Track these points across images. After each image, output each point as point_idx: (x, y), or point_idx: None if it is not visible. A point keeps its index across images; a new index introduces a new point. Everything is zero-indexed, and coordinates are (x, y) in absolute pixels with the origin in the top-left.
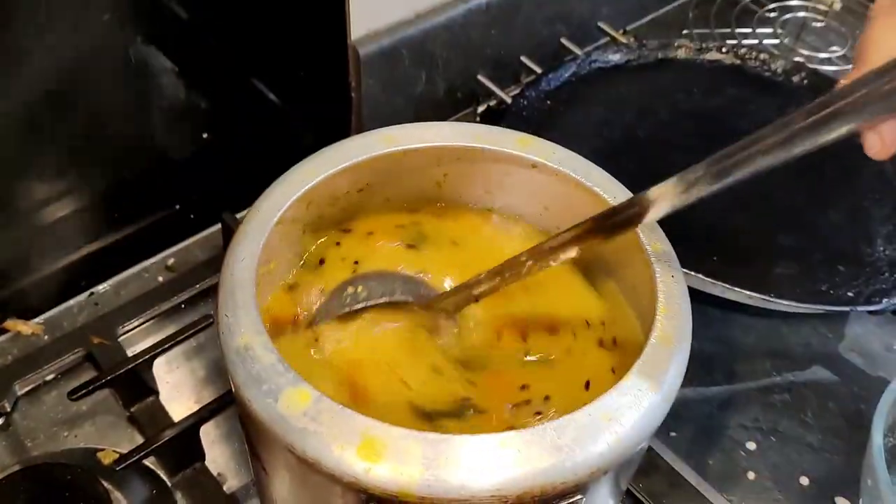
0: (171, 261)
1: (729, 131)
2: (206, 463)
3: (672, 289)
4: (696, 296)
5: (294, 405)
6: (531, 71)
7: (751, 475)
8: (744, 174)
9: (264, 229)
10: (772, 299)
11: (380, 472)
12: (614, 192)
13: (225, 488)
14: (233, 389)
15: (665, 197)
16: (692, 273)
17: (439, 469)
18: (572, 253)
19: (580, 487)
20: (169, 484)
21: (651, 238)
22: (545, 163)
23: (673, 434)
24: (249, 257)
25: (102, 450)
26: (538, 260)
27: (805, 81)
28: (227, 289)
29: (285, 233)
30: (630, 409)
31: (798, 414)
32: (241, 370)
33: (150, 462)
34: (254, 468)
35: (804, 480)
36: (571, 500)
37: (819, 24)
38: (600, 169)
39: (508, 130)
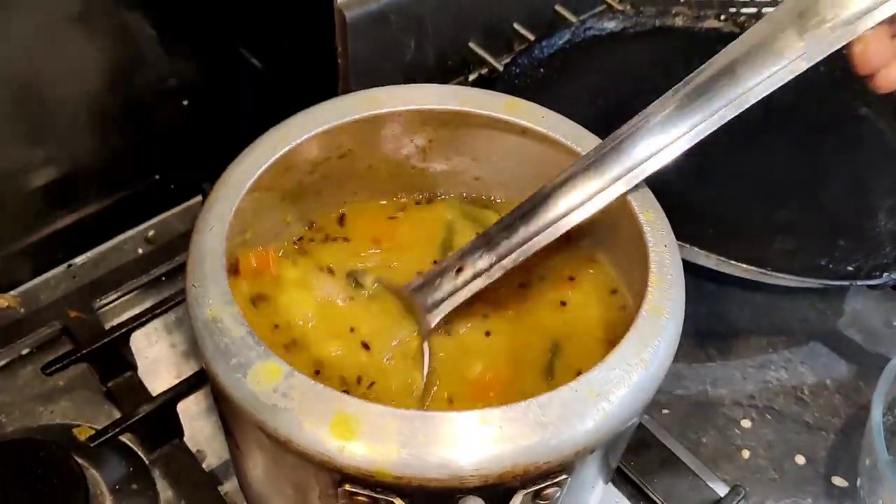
0: (150, 233)
1: None
2: (185, 440)
3: (665, 259)
4: (690, 269)
5: (264, 380)
6: (524, 39)
7: (745, 454)
8: None
9: (235, 196)
10: (769, 273)
11: (354, 451)
12: None
13: (204, 465)
14: (202, 364)
15: None
16: (686, 245)
17: (417, 447)
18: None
19: (565, 467)
20: (146, 461)
21: (643, 206)
22: (534, 128)
23: (665, 411)
24: (219, 225)
25: (78, 426)
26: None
27: None
28: (196, 258)
29: (262, 201)
30: (619, 385)
31: (795, 391)
32: (209, 343)
33: (127, 439)
34: (228, 445)
35: (800, 459)
36: (556, 481)
37: None
38: (592, 135)
39: (496, 94)
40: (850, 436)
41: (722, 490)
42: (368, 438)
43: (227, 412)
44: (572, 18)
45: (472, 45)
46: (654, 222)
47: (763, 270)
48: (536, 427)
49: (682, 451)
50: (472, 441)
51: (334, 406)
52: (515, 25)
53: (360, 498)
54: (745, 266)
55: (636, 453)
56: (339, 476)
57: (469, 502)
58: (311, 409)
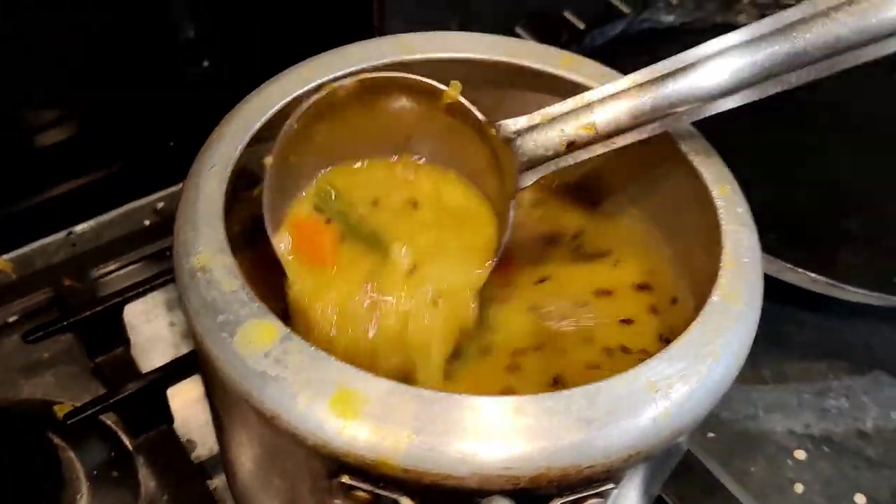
0: (160, 204)
1: (795, 109)
2: (175, 427)
3: (741, 239)
4: None
5: (254, 343)
6: (574, 28)
7: (798, 488)
8: None
9: (244, 134)
10: (838, 285)
11: (356, 433)
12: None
13: (193, 457)
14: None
15: None
16: None
17: (433, 435)
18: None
19: (612, 475)
20: (130, 446)
21: (717, 179)
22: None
23: (711, 435)
24: (221, 165)
25: (60, 403)
26: None
27: None
28: (189, 199)
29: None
30: (683, 379)
31: (856, 423)
32: (194, 296)
33: (111, 421)
34: (214, 425)
35: (860, 499)
36: (600, 490)
37: None
38: None
39: (550, 47)
40: None
41: None
42: (375, 420)
43: (210, 380)
44: (626, 10)
45: (518, 29)
46: (729, 198)
47: (832, 281)
48: (581, 423)
49: (728, 480)
50: (502, 433)
51: (337, 378)
52: (566, 14)
53: (359, 493)
54: (812, 275)
55: (678, 478)
56: (336, 465)
57: (496, 503)
58: (307, 380)
